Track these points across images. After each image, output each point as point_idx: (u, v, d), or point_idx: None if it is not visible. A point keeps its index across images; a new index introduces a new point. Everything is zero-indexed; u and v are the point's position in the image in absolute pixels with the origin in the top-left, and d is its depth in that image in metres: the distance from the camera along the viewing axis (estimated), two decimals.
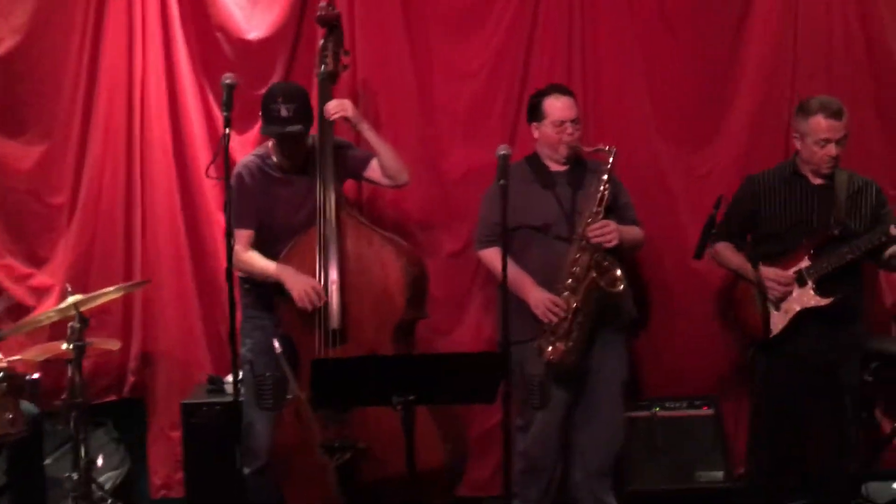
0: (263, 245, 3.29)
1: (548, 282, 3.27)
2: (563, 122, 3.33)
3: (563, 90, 3.41)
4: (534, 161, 3.45)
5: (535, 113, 3.40)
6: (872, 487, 3.61)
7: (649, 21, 3.84)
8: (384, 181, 3.38)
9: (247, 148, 3.71)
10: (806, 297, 3.24)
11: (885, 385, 3.80)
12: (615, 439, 3.44)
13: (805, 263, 3.25)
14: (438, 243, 3.89)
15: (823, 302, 3.20)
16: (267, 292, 3.25)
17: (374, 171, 3.36)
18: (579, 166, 3.41)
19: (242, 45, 3.79)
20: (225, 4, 3.78)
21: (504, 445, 2.91)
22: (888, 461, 3.88)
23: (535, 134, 3.43)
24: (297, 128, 3.16)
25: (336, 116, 3.25)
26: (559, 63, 3.83)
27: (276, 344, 2.97)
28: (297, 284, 3.12)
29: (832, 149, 3.19)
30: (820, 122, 3.19)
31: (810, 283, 3.23)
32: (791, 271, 3.26)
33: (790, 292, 3.25)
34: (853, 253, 3.17)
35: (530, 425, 3.39)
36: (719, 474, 3.70)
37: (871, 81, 3.85)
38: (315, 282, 3.13)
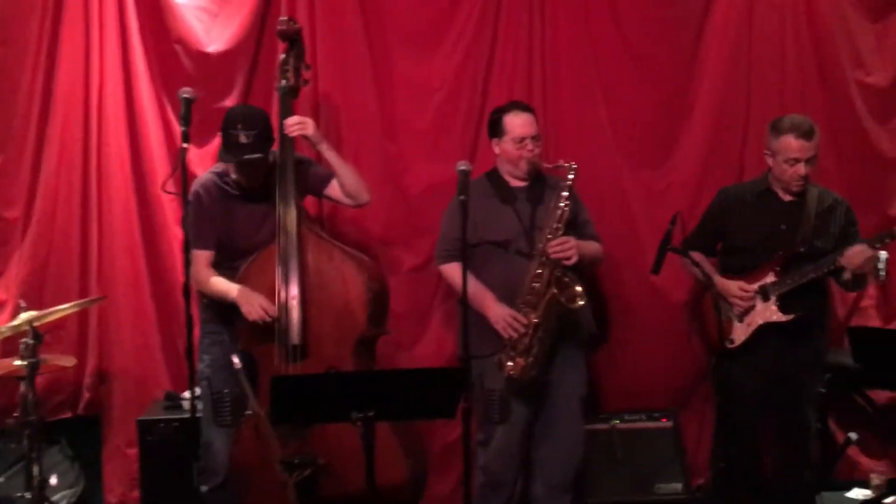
0: (224, 262, 3.26)
1: (508, 297, 3.29)
2: (523, 139, 3.35)
3: (523, 107, 3.44)
4: (494, 177, 3.48)
5: (496, 129, 3.43)
6: (826, 497, 3.67)
7: (607, 40, 3.90)
8: (344, 200, 3.37)
9: (206, 162, 3.69)
10: (768, 312, 3.30)
11: (839, 397, 3.88)
12: (575, 453, 3.46)
13: (770, 279, 3.31)
14: (400, 258, 3.90)
15: (785, 318, 3.27)
16: (226, 307, 3.22)
17: (334, 189, 3.35)
18: (539, 182, 3.43)
19: (202, 59, 3.77)
20: (184, 17, 3.76)
21: (464, 460, 2.92)
22: (841, 471, 3.95)
23: (496, 150, 3.45)
24: (256, 156, 3.13)
25: (296, 133, 3.23)
26: (519, 80, 3.87)
27: (236, 360, 2.94)
28: (247, 305, 3.10)
29: (801, 168, 3.26)
30: (790, 142, 3.25)
31: (773, 299, 3.29)
32: (756, 286, 3.32)
33: (752, 307, 3.31)
34: (816, 272, 3.24)
35: (491, 440, 3.39)
36: (678, 486, 3.74)
37: (823, 101, 3.93)
38: (263, 298, 3.11)
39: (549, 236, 3.24)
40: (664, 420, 3.83)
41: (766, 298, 3.30)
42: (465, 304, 2.94)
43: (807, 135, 3.23)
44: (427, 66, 3.89)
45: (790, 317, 3.26)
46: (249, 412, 3.01)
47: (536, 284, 3.24)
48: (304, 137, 3.26)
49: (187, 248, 2.82)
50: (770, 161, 3.35)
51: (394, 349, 3.81)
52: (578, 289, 3.23)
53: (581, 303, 3.23)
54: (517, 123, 3.37)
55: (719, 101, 3.91)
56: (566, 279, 3.23)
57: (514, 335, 3.23)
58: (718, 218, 3.47)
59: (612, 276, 3.94)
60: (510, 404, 3.08)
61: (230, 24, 3.77)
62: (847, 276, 3.23)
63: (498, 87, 3.86)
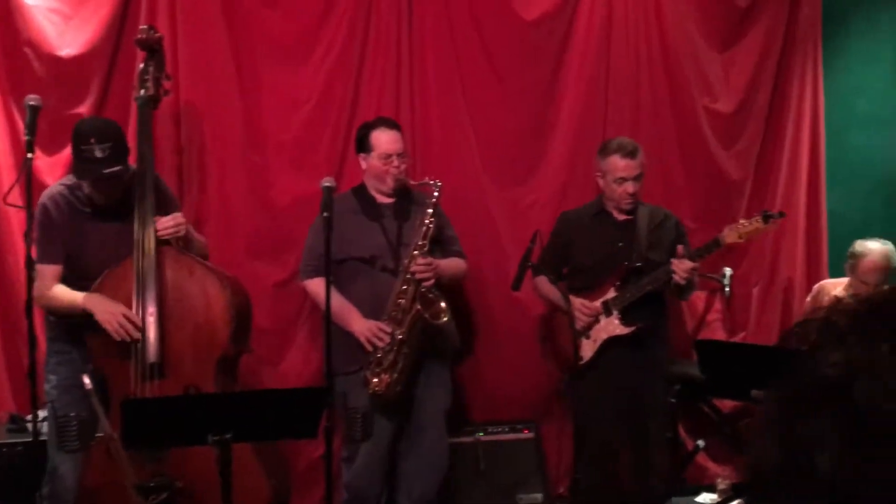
0: (75, 282, 3.07)
1: (374, 313, 3.30)
2: (389, 156, 3.37)
3: (390, 123, 3.47)
4: (361, 192, 3.48)
5: (363, 144, 3.43)
6: (676, 502, 3.86)
7: (473, 59, 3.98)
8: None
9: (56, 171, 3.51)
10: (611, 327, 3.44)
11: (687, 406, 4.09)
12: (439, 467, 3.49)
13: (611, 294, 3.45)
14: (265, 273, 3.82)
15: (627, 330, 3.41)
16: (75, 325, 3.06)
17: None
18: (406, 199, 3.46)
19: (54, 62, 3.58)
20: (35, 18, 3.56)
21: (326, 478, 2.89)
22: (690, 477, 4.16)
23: (363, 165, 3.46)
24: (116, 168, 2.96)
25: (170, 236, 3.03)
26: (387, 96, 3.88)
27: (86, 380, 2.79)
28: (107, 313, 2.93)
29: (629, 186, 3.42)
30: (617, 162, 3.41)
31: (615, 313, 3.43)
32: (599, 302, 3.45)
33: (596, 322, 3.44)
34: (651, 284, 3.39)
35: (355, 456, 3.38)
36: (538, 496, 3.84)
37: (674, 125, 4.16)
38: (126, 309, 2.96)
39: (416, 253, 3.27)
40: (526, 431, 3.92)
41: (608, 313, 3.44)
42: (328, 320, 2.92)
43: (631, 154, 3.41)
44: (294, 78, 3.85)
45: (631, 328, 3.40)
46: (100, 434, 2.87)
47: (402, 301, 3.26)
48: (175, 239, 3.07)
49: (30, 264, 2.66)
50: (601, 182, 3.51)
51: (259, 365, 3.74)
52: (443, 305, 3.28)
53: (445, 319, 3.27)
54: (384, 140, 3.39)
55: (579, 123, 4.05)
56: (431, 296, 3.27)
57: (380, 344, 3.23)
58: (560, 242, 3.59)
59: (477, 290, 4.01)
60: (373, 421, 3.07)
61: (85, 27, 3.60)
62: (676, 285, 3.39)
63: (366, 103, 3.87)
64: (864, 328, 0.65)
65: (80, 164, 2.99)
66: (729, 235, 3.33)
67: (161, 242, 3.04)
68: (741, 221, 3.35)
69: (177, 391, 2.98)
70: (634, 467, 3.55)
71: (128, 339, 2.94)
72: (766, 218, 3.31)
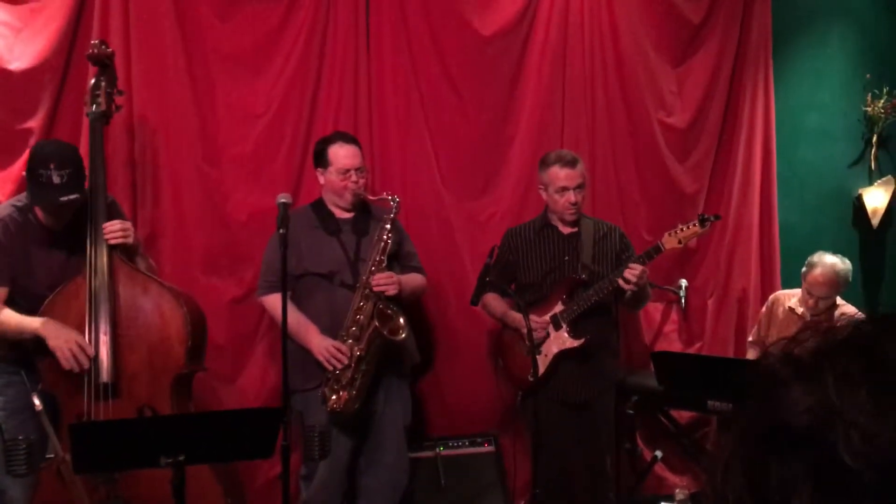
0: (22, 304, 3.00)
1: (332, 329, 3.27)
2: (347, 170, 3.36)
3: (348, 138, 3.45)
4: (319, 207, 3.46)
5: (321, 159, 3.42)
6: None
7: (431, 73, 3.98)
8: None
9: (6, 186, 3.43)
10: (561, 340, 3.44)
11: (645, 417, 4.12)
12: (399, 483, 3.47)
13: (559, 308, 3.46)
14: (222, 288, 3.78)
15: (577, 343, 3.42)
16: (22, 345, 2.99)
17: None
18: (364, 214, 3.45)
19: (3, 76, 3.50)
20: None
21: (283, 497, 2.86)
22: (649, 487, 4.20)
23: (321, 180, 3.44)
24: (73, 196, 2.88)
25: (118, 242, 2.98)
26: (345, 110, 3.87)
27: (36, 400, 2.74)
28: (60, 341, 2.85)
29: (571, 196, 3.45)
30: (557, 172, 3.44)
31: (565, 327, 3.44)
32: (547, 317, 3.46)
33: (546, 336, 3.45)
34: (597, 295, 3.40)
35: (314, 474, 3.35)
36: None
37: (630, 139, 4.21)
38: (80, 336, 2.89)
39: (373, 268, 3.26)
40: (486, 445, 3.92)
41: (557, 327, 3.45)
42: (285, 337, 2.90)
43: (571, 163, 3.44)
44: (250, 91, 3.81)
45: (581, 341, 3.41)
46: (51, 455, 2.82)
47: (360, 317, 3.24)
48: (124, 245, 3.02)
49: None
50: (544, 195, 3.53)
51: (216, 382, 3.69)
52: (401, 321, 3.26)
53: (403, 335, 3.26)
54: (341, 155, 3.37)
55: (536, 137, 4.07)
56: (389, 311, 3.26)
57: (339, 366, 3.21)
58: (507, 258, 3.59)
59: (437, 304, 4.01)
60: (331, 439, 3.05)
61: (35, 40, 3.53)
62: (628, 295, 3.41)
63: (324, 116, 3.85)
64: (836, 368, 0.62)
65: (36, 189, 2.91)
66: (668, 241, 3.37)
67: (111, 252, 2.98)
68: (679, 226, 3.39)
69: (130, 411, 2.93)
70: (587, 479, 3.56)
71: (76, 370, 2.86)
72: (703, 221, 3.36)
